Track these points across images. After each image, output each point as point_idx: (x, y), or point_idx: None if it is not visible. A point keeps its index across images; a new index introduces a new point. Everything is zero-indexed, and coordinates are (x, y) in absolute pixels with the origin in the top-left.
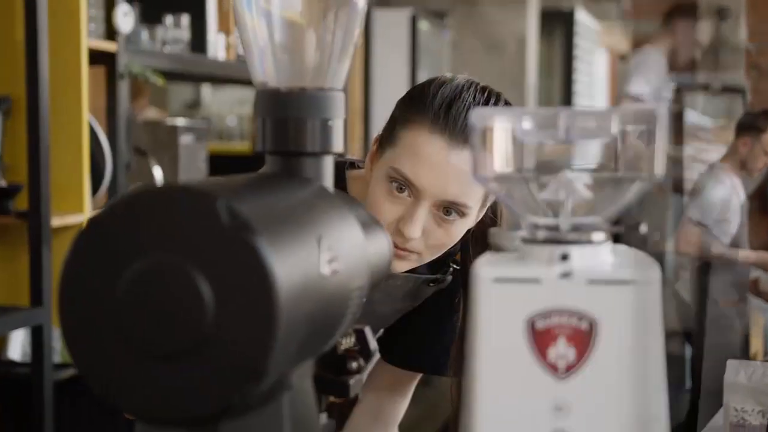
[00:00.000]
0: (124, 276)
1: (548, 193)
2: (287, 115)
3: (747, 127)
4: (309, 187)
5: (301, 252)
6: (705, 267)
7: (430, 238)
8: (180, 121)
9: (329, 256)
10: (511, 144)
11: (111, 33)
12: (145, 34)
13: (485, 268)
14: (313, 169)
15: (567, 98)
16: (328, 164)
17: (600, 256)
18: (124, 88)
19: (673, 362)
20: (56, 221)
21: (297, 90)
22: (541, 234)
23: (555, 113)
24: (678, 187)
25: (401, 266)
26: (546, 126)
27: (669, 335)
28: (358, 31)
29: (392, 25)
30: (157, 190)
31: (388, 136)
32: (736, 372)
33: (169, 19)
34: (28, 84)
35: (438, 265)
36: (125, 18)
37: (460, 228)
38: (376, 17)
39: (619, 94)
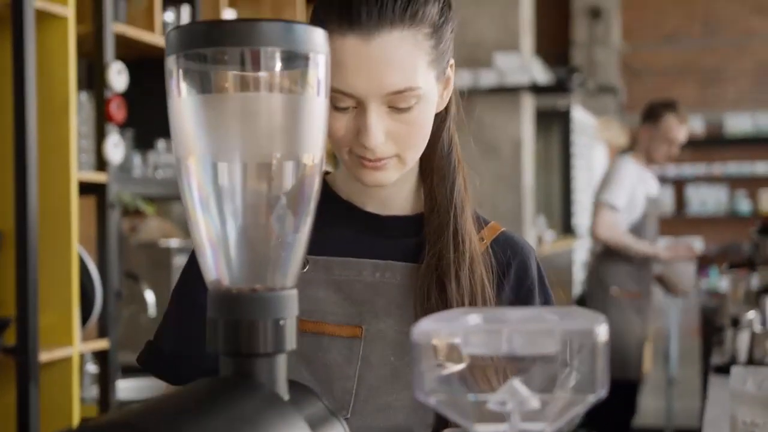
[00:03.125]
0: None
1: (494, 403)
2: (239, 318)
3: (647, 116)
4: (258, 395)
5: None
6: (603, 254)
7: (398, 137)
8: (174, 243)
9: None
10: (455, 357)
11: (102, 163)
12: (137, 159)
13: None
14: (266, 371)
15: (566, 194)
16: (281, 363)
17: None
18: (114, 218)
19: None
20: (45, 356)
21: (248, 291)
22: None
23: (498, 329)
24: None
25: (387, 176)
26: (490, 340)
27: None
28: (308, 228)
29: None
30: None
31: None
32: (743, 380)
33: (161, 144)
34: (17, 218)
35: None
36: (115, 149)
37: (423, 113)
38: None
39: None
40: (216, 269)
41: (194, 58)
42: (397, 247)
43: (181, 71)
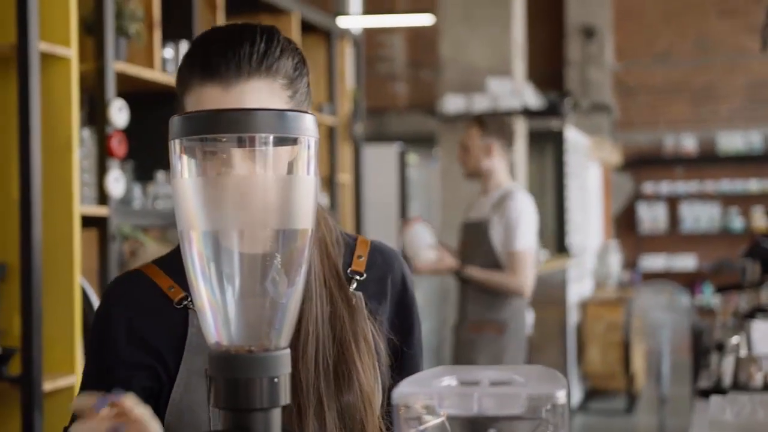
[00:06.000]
0: None
1: None
2: (237, 376)
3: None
4: None
5: None
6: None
7: None
8: None
9: None
10: (432, 416)
11: (103, 197)
12: (138, 191)
13: None
14: (262, 424)
15: (560, 213)
16: (276, 417)
17: None
18: (115, 250)
19: None
20: (48, 385)
21: (245, 352)
22: None
23: (470, 392)
24: None
25: None
26: (462, 402)
27: None
28: (299, 293)
29: (382, 159)
30: None
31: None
32: (722, 409)
33: (161, 175)
34: (22, 251)
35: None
36: (116, 183)
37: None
38: (367, 152)
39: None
40: (216, 331)
41: (195, 143)
42: None
43: (183, 154)
